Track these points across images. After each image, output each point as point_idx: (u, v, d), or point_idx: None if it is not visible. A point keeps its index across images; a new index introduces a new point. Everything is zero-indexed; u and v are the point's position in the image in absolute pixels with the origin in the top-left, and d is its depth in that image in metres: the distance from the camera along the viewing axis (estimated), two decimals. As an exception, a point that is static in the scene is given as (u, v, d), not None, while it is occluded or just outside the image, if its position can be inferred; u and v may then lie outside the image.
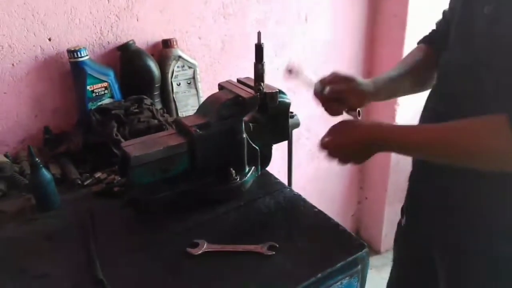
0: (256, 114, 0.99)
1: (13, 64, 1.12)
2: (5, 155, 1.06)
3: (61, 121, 1.23)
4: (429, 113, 0.90)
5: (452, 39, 0.83)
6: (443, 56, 0.85)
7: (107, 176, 1.02)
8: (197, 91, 1.37)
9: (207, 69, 1.45)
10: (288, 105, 1.00)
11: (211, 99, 0.95)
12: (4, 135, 1.15)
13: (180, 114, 1.35)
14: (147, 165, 0.86)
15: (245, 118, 0.95)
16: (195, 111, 1.37)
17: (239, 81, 1.01)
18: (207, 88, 1.39)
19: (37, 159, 0.89)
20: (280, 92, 0.96)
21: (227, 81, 1.00)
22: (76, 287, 0.71)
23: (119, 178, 1.00)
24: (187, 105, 1.37)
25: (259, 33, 0.83)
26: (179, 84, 1.33)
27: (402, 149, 0.80)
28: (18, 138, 1.18)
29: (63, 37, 1.16)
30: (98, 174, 1.03)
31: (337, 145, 0.81)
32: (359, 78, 0.91)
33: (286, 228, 0.83)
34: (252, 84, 0.94)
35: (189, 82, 1.35)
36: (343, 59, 1.78)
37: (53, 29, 1.14)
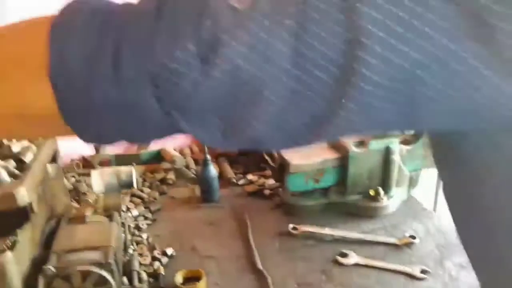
0: (410, 136, 1.00)
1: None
2: (180, 151, 1.24)
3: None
4: None
5: None
6: None
7: (257, 179, 1.13)
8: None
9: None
10: (444, 132, 0.98)
11: (366, 118, 0.99)
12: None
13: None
14: (304, 173, 0.93)
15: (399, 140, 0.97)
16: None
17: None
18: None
19: (208, 156, 1.03)
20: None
21: (382, 103, 1.03)
22: (239, 272, 0.80)
23: (270, 182, 1.09)
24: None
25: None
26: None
27: None
28: (183, 136, 1.37)
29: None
30: (250, 176, 1.14)
31: None
32: None
33: (437, 255, 0.82)
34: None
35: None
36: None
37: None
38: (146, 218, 0.98)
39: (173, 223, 0.97)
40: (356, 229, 0.92)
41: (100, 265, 0.55)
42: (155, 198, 1.06)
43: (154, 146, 1.29)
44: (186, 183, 1.14)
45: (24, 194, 0.49)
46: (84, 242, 0.58)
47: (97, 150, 1.21)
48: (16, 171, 0.53)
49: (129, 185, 0.76)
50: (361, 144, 0.94)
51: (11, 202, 0.48)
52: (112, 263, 0.55)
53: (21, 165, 0.55)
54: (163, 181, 1.14)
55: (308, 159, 0.94)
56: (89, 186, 0.82)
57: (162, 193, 1.09)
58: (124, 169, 0.75)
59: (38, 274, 0.53)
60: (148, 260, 0.83)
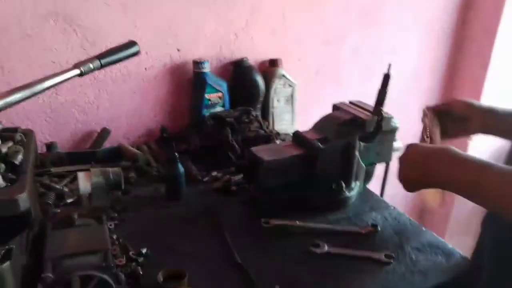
0: (367, 134, 1.08)
1: (145, 68, 1.28)
2: (138, 148, 1.20)
3: (173, 122, 1.37)
4: None
5: None
6: None
7: (222, 176, 1.14)
8: (292, 108, 1.49)
9: (301, 89, 1.57)
10: (396, 129, 1.09)
11: (328, 117, 1.06)
12: (128, 129, 1.31)
13: (275, 127, 1.46)
14: (275, 169, 0.97)
15: (357, 137, 1.05)
16: (288, 125, 1.48)
17: (351, 103, 1.11)
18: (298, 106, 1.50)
19: (176, 153, 1.02)
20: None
21: (340, 102, 1.10)
22: (219, 267, 0.82)
23: (235, 178, 1.11)
24: (282, 120, 1.48)
25: (389, 65, 0.94)
26: (278, 100, 1.45)
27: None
28: (138, 133, 1.33)
29: (190, 50, 1.31)
30: (214, 173, 1.15)
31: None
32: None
33: (397, 241, 0.91)
34: (364, 106, 1.05)
35: (287, 99, 1.47)
36: (423, 92, 1.85)
37: (183, 41, 1.29)
38: (112, 218, 0.95)
39: (143, 222, 0.95)
40: (322, 220, 0.98)
41: (100, 268, 0.53)
42: (118, 198, 1.02)
43: (111, 143, 1.24)
44: (149, 182, 1.12)
45: (26, 199, 0.45)
46: (77, 246, 0.56)
47: (48, 148, 1.13)
48: (10, 174, 0.49)
49: (118, 185, 0.73)
50: (325, 140, 1.00)
51: (13, 208, 0.44)
52: (113, 266, 0.53)
53: (11, 167, 0.51)
54: (124, 180, 1.10)
55: (278, 155, 0.98)
56: (71, 187, 0.77)
57: (124, 192, 1.06)
58: (112, 169, 0.72)
59: (33, 283, 0.50)
60: (123, 261, 0.81)
